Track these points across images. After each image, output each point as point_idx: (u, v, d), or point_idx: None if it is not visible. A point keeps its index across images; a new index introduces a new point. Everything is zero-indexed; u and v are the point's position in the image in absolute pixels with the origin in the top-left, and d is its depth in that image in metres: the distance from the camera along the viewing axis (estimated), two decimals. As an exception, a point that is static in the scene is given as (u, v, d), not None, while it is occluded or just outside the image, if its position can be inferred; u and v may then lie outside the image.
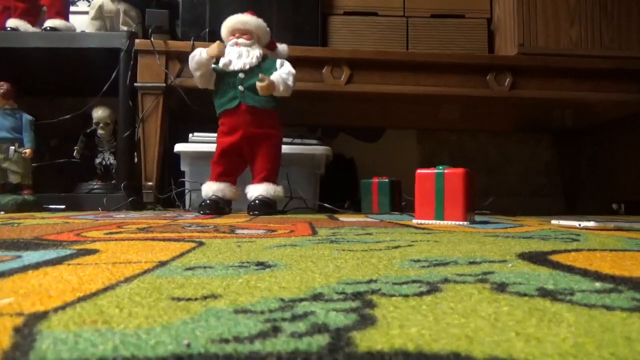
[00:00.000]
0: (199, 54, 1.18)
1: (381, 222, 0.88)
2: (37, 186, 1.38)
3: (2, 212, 1.20)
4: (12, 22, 1.53)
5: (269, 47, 1.26)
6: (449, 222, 0.81)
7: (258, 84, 1.14)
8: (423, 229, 0.70)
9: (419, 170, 0.86)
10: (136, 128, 1.45)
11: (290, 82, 1.18)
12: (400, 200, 1.45)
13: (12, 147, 1.31)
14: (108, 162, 1.55)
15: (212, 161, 1.22)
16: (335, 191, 1.63)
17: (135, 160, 1.50)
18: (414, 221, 0.85)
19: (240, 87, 1.17)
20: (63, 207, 1.37)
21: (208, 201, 1.17)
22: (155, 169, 1.43)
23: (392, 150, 2.03)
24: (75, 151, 1.52)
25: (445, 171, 0.82)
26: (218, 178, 1.20)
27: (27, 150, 1.32)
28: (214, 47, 1.18)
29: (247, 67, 1.17)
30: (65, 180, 1.54)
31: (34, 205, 1.28)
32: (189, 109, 1.45)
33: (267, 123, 1.20)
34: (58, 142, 1.66)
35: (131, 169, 1.47)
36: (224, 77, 1.19)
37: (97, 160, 1.55)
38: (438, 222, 0.82)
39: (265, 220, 0.90)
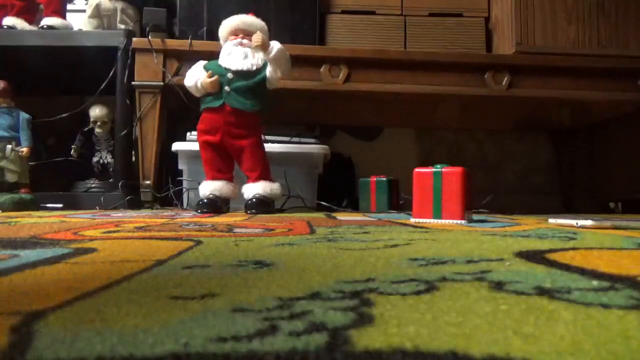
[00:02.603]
0: (195, 85, 1.17)
1: (379, 220, 0.88)
2: (34, 185, 1.37)
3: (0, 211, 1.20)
4: (8, 21, 1.52)
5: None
6: (447, 221, 0.81)
7: (253, 37, 1.16)
8: (421, 227, 0.70)
9: (416, 169, 0.86)
10: (134, 127, 1.45)
11: (286, 51, 1.19)
12: (398, 199, 1.45)
13: (9, 146, 1.31)
14: (105, 161, 1.55)
15: (202, 160, 1.22)
16: (333, 190, 1.63)
17: (133, 159, 1.49)
18: (412, 220, 0.85)
19: (227, 88, 1.16)
20: (60, 205, 1.36)
21: (206, 200, 1.17)
22: (152, 168, 1.43)
23: (390, 149, 2.03)
24: (73, 150, 1.52)
25: (443, 170, 0.82)
26: (214, 176, 1.20)
27: (24, 149, 1.32)
28: (209, 84, 1.15)
29: (255, 68, 1.17)
30: (63, 179, 1.54)
31: (31, 204, 1.27)
32: (186, 107, 1.45)
33: (247, 125, 1.19)
34: (55, 141, 1.66)
35: (129, 168, 1.47)
36: (216, 73, 1.18)
37: (95, 159, 1.55)
38: (436, 220, 0.82)
39: (263, 219, 0.90)
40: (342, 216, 1.07)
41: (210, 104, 1.18)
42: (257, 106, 1.18)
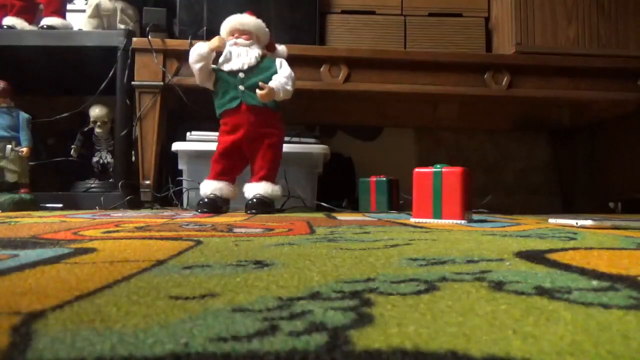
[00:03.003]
0: (200, 47, 1.18)
1: (379, 220, 0.88)
2: (34, 185, 1.37)
3: (-1, 211, 1.20)
4: (8, 20, 1.52)
5: (268, 49, 1.26)
6: (447, 221, 0.81)
7: (258, 92, 1.15)
8: (421, 227, 0.70)
9: (416, 169, 0.86)
10: (133, 127, 1.45)
11: (289, 86, 1.19)
12: (398, 199, 1.45)
13: (9, 146, 1.31)
14: (105, 161, 1.55)
15: (212, 159, 1.22)
16: (333, 190, 1.63)
17: (133, 159, 1.49)
18: (412, 220, 0.85)
19: (241, 87, 1.18)
20: (60, 205, 1.36)
21: (206, 200, 1.17)
22: (152, 168, 1.43)
23: (390, 149, 2.03)
24: (73, 150, 1.52)
25: (443, 170, 0.82)
26: (216, 176, 1.20)
27: (24, 149, 1.32)
28: (215, 39, 1.19)
29: (246, 66, 1.18)
30: (63, 179, 1.54)
31: (30, 204, 1.27)
32: (186, 107, 1.45)
33: (269, 122, 1.20)
34: (55, 141, 1.65)
35: (129, 168, 1.47)
36: (224, 78, 1.19)
37: (95, 159, 1.55)
38: (436, 220, 0.82)
39: (263, 219, 0.90)
40: (342, 216, 1.07)
41: (227, 106, 1.19)
42: (271, 101, 1.19)
